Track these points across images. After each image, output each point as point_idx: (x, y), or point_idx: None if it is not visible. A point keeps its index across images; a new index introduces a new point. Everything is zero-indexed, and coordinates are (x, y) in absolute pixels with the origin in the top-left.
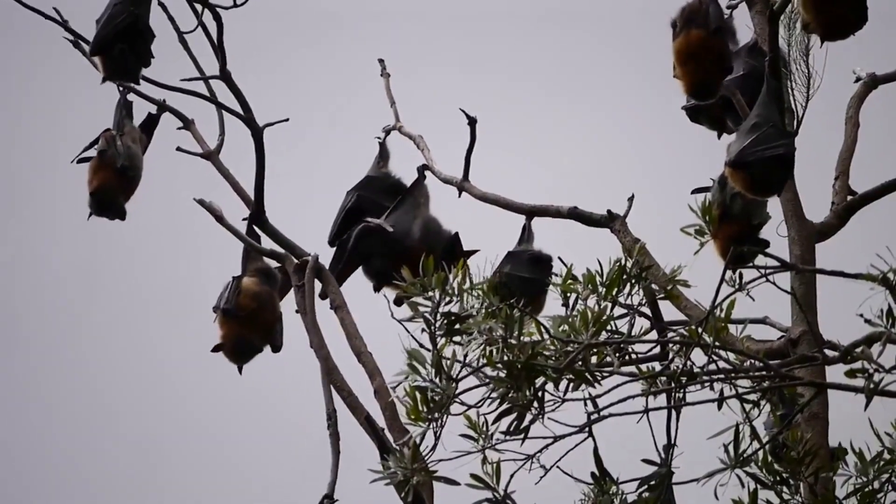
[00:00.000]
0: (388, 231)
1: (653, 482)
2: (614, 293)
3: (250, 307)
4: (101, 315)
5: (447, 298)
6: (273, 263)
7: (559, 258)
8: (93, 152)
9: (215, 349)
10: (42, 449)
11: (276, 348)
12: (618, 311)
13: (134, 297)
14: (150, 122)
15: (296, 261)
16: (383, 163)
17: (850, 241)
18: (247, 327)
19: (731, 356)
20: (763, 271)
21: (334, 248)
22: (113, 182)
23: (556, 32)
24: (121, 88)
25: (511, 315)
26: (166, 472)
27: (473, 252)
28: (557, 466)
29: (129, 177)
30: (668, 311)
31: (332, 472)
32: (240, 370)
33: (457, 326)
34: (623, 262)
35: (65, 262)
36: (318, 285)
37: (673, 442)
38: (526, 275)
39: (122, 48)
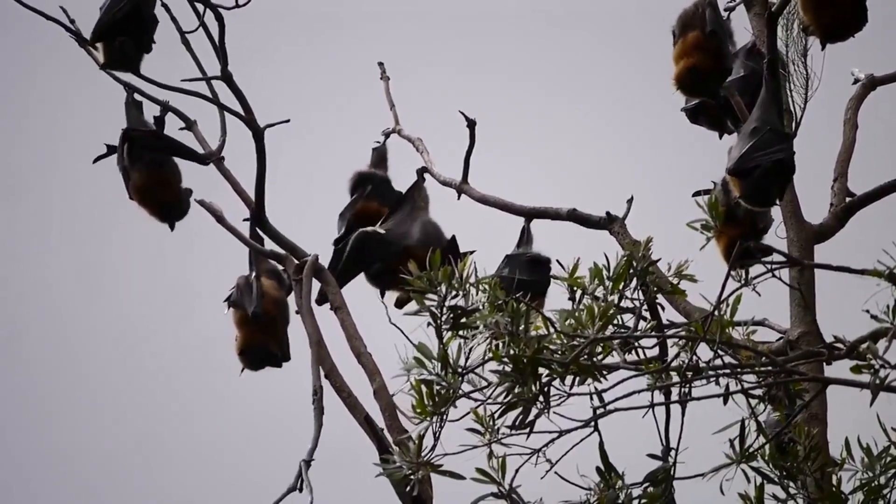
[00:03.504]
0: (381, 234)
1: (658, 476)
2: (621, 287)
3: (273, 312)
4: (101, 315)
5: (453, 292)
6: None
7: (557, 261)
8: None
9: (240, 352)
10: (42, 449)
11: (286, 358)
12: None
13: (133, 296)
14: (156, 125)
15: (296, 262)
16: (381, 168)
17: (849, 243)
18: (266, 333)
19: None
20: (768, 266)
21: (332, 254)
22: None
23: (557, 33)
24: (127, 89)
25: (517, 309)
26: (166, 472)
27: (470, 253)
28: (558, 473)
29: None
30: (668, 315)
31: (313, 441)
32: (241, 372)
33: (463, 320)
34: (630, 256)
35: (65, 261)
36: (318, 285)
37: (678, 437)
38: (524, 277)
39: (122, 40)
